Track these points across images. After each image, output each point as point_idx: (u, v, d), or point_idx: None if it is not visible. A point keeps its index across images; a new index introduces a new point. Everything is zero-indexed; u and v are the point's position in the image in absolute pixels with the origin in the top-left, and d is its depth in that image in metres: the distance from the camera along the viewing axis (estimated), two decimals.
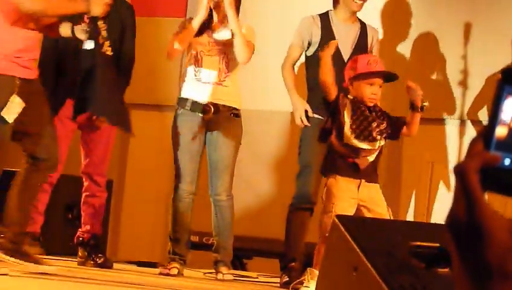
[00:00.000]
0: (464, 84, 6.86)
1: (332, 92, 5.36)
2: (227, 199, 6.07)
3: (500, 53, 6.65)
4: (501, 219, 0.91)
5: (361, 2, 6.01)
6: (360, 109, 5.24)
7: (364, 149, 5.23)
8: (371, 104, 5.25)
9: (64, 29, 5.37)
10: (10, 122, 5.04)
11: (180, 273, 5.87)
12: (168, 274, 5.81)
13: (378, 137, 5.22)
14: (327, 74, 5.39)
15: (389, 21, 7.05)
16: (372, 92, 5.19)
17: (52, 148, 5.32)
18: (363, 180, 5.19)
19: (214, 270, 6.04)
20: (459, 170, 0.91)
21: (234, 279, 6.11)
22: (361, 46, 6.01)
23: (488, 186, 0.91)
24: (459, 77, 6.87)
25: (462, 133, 6.95)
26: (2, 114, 5.02)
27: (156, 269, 6.21)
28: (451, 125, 7.04)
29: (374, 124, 5.23)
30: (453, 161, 6.93)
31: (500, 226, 0.92)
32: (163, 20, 7.54)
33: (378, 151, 5.33)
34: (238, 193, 6.39)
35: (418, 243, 2.44)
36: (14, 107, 5.01)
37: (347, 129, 5.17)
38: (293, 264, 5.85)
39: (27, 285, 4.96)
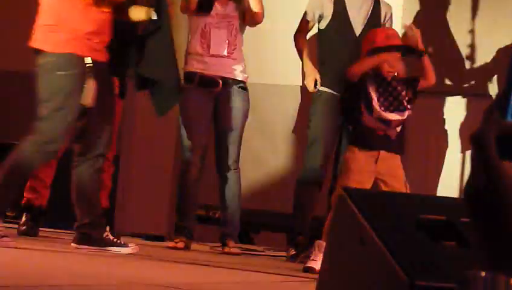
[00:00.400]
0: (471, 58, 6.82)
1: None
2: (234, 172, 6.06)
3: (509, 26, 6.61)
4: None
5: None
6: (385, 81, 5.24)
7: (395, 120, 5.20)
8: (390, 78, 5.23)
9: (138, 14, 5.35)
10: (89, 106, 5.01)
11: (186, 247, 5.89)
12: (174, 247, 5.84)
13: (409, 106, 5.21)
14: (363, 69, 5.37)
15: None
16: (390, 66, 5.18)
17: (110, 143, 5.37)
18: (382, 152, 5.16)
19: (220, 244, 6.07)
20: (476, 139, 0.94)
21: (241, 252, 6.14)
22: (374, 21, 5.96)
23: (505, 154, 0.95)
24: (466, 51, 6.81)
25: (469, 107, 6.88)
26: (82, 99, 5.00)
27: (163, 242, 6.31)
28: (460, 99, 6.99)
29: (403, 93, 5.23)
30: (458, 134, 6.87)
31: None
32: None
33: (403, 121, 5.32)
34: (245, 166, 6.42)
35: (425, 216, 2.70)
36: (90, 91, 4.99)
37: (375, 103, 5.14)
38: (300, 238, 5.86)
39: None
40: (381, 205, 2.85)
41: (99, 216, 5.34)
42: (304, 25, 6.06)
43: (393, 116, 5.17)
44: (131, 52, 5.97)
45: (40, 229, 6.07)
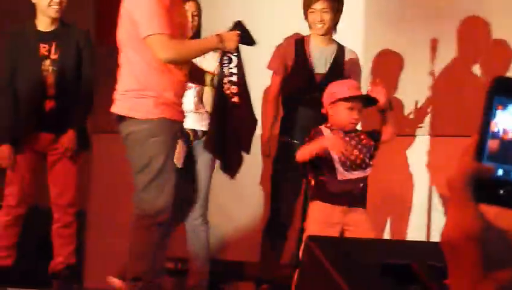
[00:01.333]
0: (431, 99, 6.90)
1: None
2: (203, 223, 6.11)
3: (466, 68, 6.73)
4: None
5: (322, 24, 6.00)
6: (344, 139, 5.26)
7: (358, 178, 5.27)
8: (351, 128, 5.23)
9: (213, 81, 5.43)
10: (180, 167, 5.08)
11: None
12: None
13: (370, 162, 5.26)
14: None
15: (361, 40, 7.12)
16: (352, 117, 5.18)
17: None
18: (346, 207, 5.22)
19: None
20: (451, 183, 0.92)
21: None
22: (337, 69, 6.02)
23: (482, 198, 0.91)
24: (426, 93, 6.90)
25: (432, 148, 6.93)
26: (174, 160, 5.07)
27: None
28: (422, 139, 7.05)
29: (364, 150, 5.28)
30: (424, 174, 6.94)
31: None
32: None
33: (364, 179, 5.37)
34: (212, 219, 6.41)
35: (390, 261, 2.73)
36: (179, 152, 5.08)
37: (337, 164, 5.17)
38: (264, 286, 5.93)
39: None
40: (347, 252, 2.93)
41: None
42: (276, 83, 6.07)
43: (355, 175, 5.22)
44: None
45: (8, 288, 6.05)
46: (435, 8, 6.85)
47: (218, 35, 5.20)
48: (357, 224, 5.14)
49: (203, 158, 6.09)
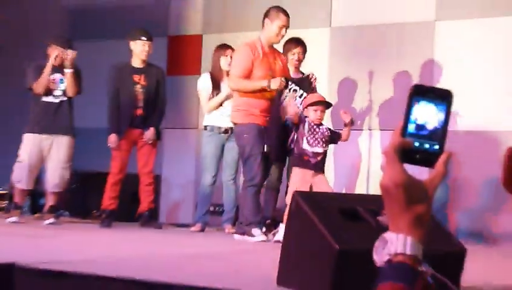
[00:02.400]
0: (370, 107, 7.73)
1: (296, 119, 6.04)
2: (233, 183, 7.12)
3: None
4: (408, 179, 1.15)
5: (298, 62, 6.80)
6: (313, 127, 5.98)
7: (316, 152, 5.94)
8: (317, 123, 5.97)
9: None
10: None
11: (202, 230, 6.99)
12: (195, 231, 6.98)
13: (324, 145, 5.97)
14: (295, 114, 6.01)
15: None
16: (317, 115, 5.97)
17: None
18: (313, 171, 5.90)
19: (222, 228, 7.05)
20: (386, 150, 1.15)
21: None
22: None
23: (405, 160, 1.15)
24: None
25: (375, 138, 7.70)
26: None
27: (189, 227, 7.23)
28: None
29: (324, 135, 5.98)
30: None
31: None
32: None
33: (324, 154, 6.01)
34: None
35: (345, 207, 2.95)
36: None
37: (305, 140, 5.91)
38: (268, 222, 6.54)
39: None
40: (319, 201, 2.98)
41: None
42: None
43: (315, 149, 5.95)
44: None
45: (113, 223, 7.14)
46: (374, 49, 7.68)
47: (268, 80, 6.06)
48: (319, 183, 5.87)
49: (233, 145, 6.83)
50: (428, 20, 7.56)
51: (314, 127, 5.97)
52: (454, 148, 1.22)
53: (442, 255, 2.53)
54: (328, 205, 2.94)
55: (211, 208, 7.47)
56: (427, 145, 1.17)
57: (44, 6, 9.72)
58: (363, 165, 7.85)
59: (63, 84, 7.25)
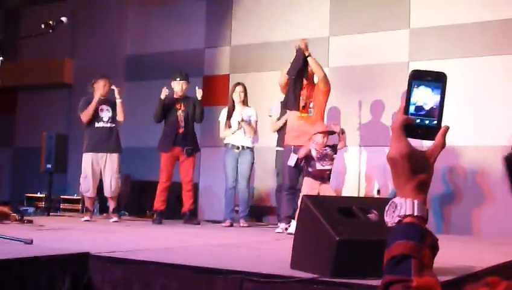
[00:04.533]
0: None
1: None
2: (246, 189, 7.10)
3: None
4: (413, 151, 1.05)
5: None
6: (320, 151, 5.86)
7: (324, 168, 5.87)
8: (323, 146, 5.84)
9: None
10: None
11: (231, 225, 6.93)
12: (225, 226, 6.93)
13: (330, 162, 5.88)
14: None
15: None
16: (323, 140, 5.87)
17: None
18: (320, 181, 5.83)
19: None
20: (393, 126, 1.06)
21: (250, 225, 7.01)
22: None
23: (409, 135, 1.07)
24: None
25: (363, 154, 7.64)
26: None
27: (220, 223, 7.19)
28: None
29: (329, 155, 5.88)
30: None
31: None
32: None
33: (330, 169, 5.89)
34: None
35: (343, 206, 2.89)
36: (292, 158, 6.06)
37: (316, 161, 5.82)
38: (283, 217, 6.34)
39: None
40: (322, 202, 2.94)
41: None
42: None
43: (324, 167, 5.85)
44: None
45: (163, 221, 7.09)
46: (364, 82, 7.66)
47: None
48: (325, 190, 5.76)
49: (245, 159, 7.12)
50: (403, 61, 7.59)
51: (322, 150, 5.87)
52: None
53: None
54: (329, 205, 2.92)
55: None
56: (427, 121, 1.09)
57: (111, 52, 9.84)
58: (354, 173, 7.83)
59: (109, 113, 7.20)
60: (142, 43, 9.65)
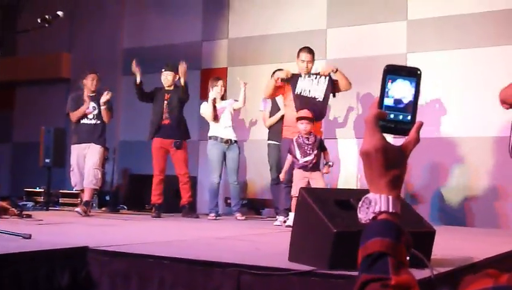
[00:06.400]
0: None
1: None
2: (236, 183, 7.12)
3: None
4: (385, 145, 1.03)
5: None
6: (300, 143, 5.92)
7: (307, 160, 5.91)
8: (305, 134, 5.87)
9: None
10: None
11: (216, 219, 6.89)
12: (211, 219, 6.88)
13: (312, 152, 5.89)
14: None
15: None
16: (303, 127, 5.89)
17: None
18: (308, 172, 5.88)
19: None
20: (366, 119, 1.05)
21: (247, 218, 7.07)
22: None
23: (383, 129, 1.05)
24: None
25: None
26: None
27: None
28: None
29: (310, 147, 5.90)
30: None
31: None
32: None
33: (315, 158, 5.88)
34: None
35: (339, 199, 2.88)
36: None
37: (298, 154, 5.91)
38: (280, 210, 6.50)
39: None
40: (319, 195, 2.94)
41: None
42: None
43: (305, 159, 5.94)
44: None
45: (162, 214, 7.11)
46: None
47: None
48: (315, 178, 5.86)
49: (234, 154, 7.16)
50: (401, 53, 7.59)
51: (302, 141, 5.91)
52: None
53: (415, 236, 2.41)
54: (326, 198, 2.90)
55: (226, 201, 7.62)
56: (400, 117, 1.07)
57: (109, 46, 9.85)
58: (352, 166, 7.83)
59: (95, 110, 7.17)
60: (139, 36, 9.66)
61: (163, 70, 7.25)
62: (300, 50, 6.42)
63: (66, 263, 2.97)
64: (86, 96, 7.17)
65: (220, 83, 7.23)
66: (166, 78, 7.22)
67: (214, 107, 7.11)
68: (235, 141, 7.22)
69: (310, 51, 6.43)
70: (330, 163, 5.91)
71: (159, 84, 7.41)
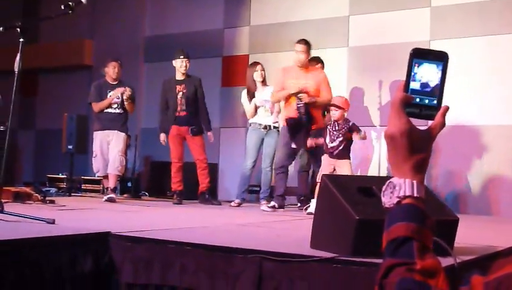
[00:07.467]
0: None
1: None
2: (269, 169, 7.08)
3: None
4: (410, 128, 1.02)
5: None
6: (330, 129, 6.04)
7: (333, 146, 6.00)
8: (336, 119, 5.97)
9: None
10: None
11: (239, 205, 6.91)
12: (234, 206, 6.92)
13: (340, 137, 5.95)
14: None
15: None
16: (333, 115, 6.04)
17: None
18: (335, 158, 5.94)
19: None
20: (392, 102, 1.03)
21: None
22: None
23: (408, 113, 1.03)
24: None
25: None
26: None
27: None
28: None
29: (338, 133, 5.95)
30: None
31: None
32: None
33: (340, 144, 5.91)
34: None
35: (362, 186, 2.87)
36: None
37: (328, 139, 6.04)
38: (302, 198, 6.81)
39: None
40: (341, 182, 2.93)
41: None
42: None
43: (332, 144, 6.04)
44: None
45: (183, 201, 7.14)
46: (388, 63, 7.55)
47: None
48: (340, 166, 5.94)
49: (272, 140, 7.04)
50: (424, 40, 7.51)
51: (332, 127, 5.98)
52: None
53: (438, 224, 2.37)
54: (349, 185, 2.88)
55: (253, 188, 7.54)
56: (426, 101, 1.05)
57: (131, 34, 9.86)
58: (375, 154, 7.82)
59: (118, 99, 7.19)
60: (161, 24, 9.67)
61: (181, 56, 7.13)
62: (297, 41, 6.48)
63: (89, 248, 2.98)
64: (112, 95, 7.18)
65: (259, 67, 7.08)
66: (186, 65, 7.15)
67: (255, 109, 7.09)
68: (275, 127, 7.09)
69: (306, 42, 6.46)
70: (362, 132, 5.88)
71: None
